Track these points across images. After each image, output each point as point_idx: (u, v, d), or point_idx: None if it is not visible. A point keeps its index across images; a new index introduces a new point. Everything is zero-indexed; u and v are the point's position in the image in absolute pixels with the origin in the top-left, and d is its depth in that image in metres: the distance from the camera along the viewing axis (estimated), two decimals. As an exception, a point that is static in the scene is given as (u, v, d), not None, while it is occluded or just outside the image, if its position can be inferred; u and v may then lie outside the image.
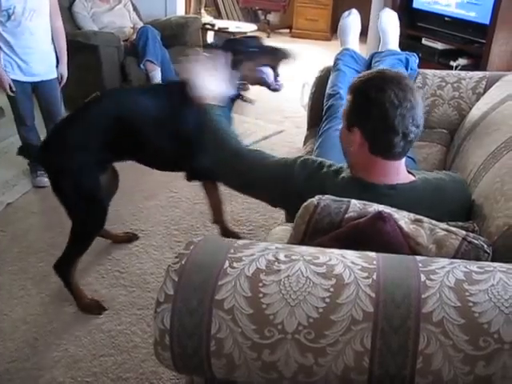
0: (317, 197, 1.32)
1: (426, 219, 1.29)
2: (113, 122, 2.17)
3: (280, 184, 1.56)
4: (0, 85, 3.08)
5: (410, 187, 1.48)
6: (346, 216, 1.29)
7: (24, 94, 3.15)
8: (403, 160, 1.49)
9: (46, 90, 3.21)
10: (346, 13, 2.84)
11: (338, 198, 1.31)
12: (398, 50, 2.76)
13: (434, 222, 1.30)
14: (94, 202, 2.22)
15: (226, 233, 2.60)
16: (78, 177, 2.16)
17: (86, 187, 2.19)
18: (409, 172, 1.54)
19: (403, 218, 1.27)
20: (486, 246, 1.24)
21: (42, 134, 3.32)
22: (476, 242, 1.24)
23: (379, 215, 1.22)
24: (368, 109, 1.45)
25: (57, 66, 3.24)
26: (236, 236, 2.60)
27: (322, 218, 1.29)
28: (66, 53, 3.26)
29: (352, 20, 2.80)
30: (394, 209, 1.30)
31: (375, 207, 1.29)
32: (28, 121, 3.23)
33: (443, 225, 1.30)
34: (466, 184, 1.67)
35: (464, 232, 1.27)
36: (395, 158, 1.47)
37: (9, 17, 2.96)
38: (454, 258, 1.22)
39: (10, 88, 3.07)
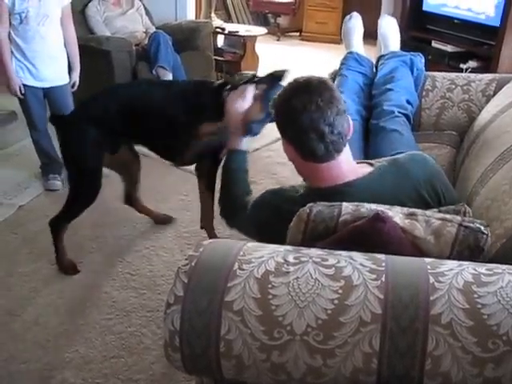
0: (308, 205, 1.32)
1: (419, 211, 1.30)
2: (130, 106, 2.39)
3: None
4: (10, 88, 3.11)
5: (369, 180, 1.49)
6: (341, 219, 1.29)
7: (35, 98, 3.18)
8: (341, 158, 1.49)
9: (57, 96, 3.23)
10: (348, 17, 2.88)
11: (328, 203, 1.32)
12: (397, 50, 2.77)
13: (427, 212, 1.31)
14: (90, 176, 2.48)
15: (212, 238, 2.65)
16: (85, 149, 2.43)
17: (88, 161, 2.46)
18: (368, 163, 1.56)
19: (397, 214, 1.28)
20: (482, 227, 1.24)
21: (54, 138, 3.35)
22: (472, 225, 1.24)
23: (377, 216, 1.22)
24: (282, 120, 1.54)
25: (69, 73, 3.27)
26: None
27: (317, 225, 1.30)
28: (78, 59, 3.29)
29: (354, 23, 2.82)
30: (387, 206, 1.31)
31: (367, 207, 1.30)
32: (40, 125, 3.25)
33: (438, 214, 1.30)
34: (427, 159, 1.64)
35: (459, 218, 1.28)
36: (327, 160, 1.48)
37: (21, 21, 2.99)
38: (453, 244, 1.23)
39: (20, 91, 3.10)
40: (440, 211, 1.34)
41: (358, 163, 1.58)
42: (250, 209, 1.68)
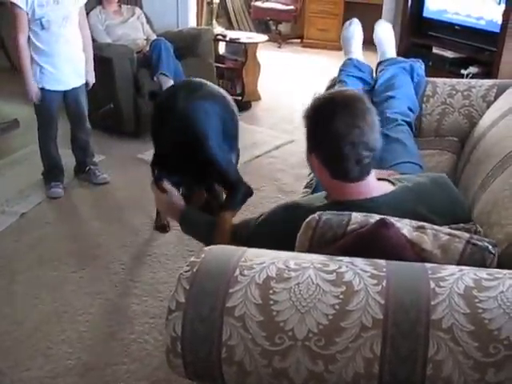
0: (318, 212, 1.31)
1: (428, 225, 1.29)
2: None
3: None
4: (27, 94, 3.08)
5: (390, 197, 1.45)
6: (349, 228, 1.28)
7: (56, 105, 3.20)
8: (370, 177, 1.46)
9: (75, 96, 3.25)
10: (348, 23, 2.87)
11: (338, 212, 1.31)
12: (396, 57, 2.78)
13: (436, 227, 1.30)
14: None
15: None
16: None
17: None
18: (389, 181, 1.53)
19: (405, 226, 1.27)
20: (490, 246, 1.24)
21: (61, 147, 3.38)
22: (480, 243, 1.24)
23: (382, 222, 1.23)
24: (319, 137, 1.46)
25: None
26: None
27: (325, 232, 1.29)
28: (92, 60, 3.31)
29: (353, 29, 2.82)
30: (395, 218, 1.30)
31: (376, 217, 1.28)
32: (53, 132, 3.27)
33: (446, 229, 1.30)
34: (449, 183, 1.61)
35: (467, 235, 1.27)
36: (357, 180, 1.45)
37: (42, 26, 2.98)
38: (459, 261, 1.23)
39: (38, 97, 3.09)
40: (450, 227, 1.33)
41: (378, 179, 1.53)
42: (259, 226, 1.62)
